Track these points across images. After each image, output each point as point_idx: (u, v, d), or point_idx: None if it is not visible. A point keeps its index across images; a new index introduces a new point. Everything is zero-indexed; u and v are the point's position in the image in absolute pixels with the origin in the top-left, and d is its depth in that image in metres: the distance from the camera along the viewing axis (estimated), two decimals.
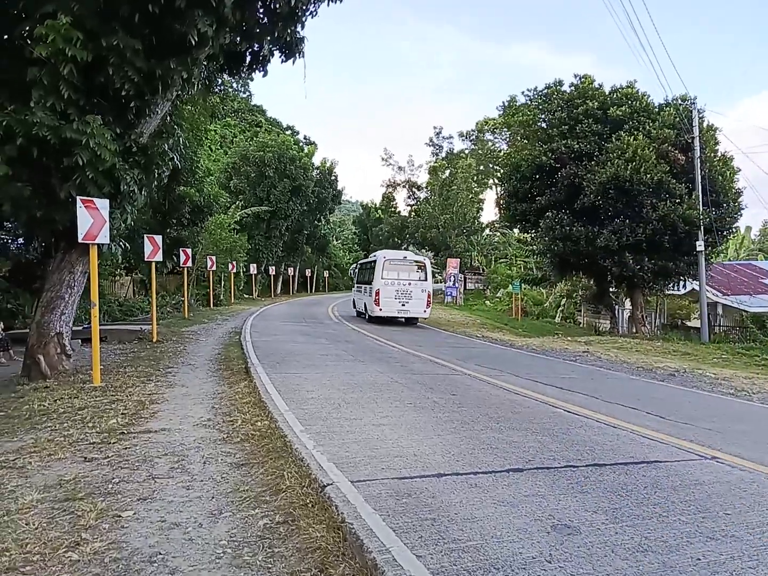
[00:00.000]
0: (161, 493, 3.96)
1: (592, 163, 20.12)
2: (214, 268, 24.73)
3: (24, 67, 6.89)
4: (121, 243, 9.09)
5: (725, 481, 4.29)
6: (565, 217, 20.58)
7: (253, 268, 34.56)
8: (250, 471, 4.38)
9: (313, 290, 50.81)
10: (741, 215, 21.06)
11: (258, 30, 8.53)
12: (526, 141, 24.05)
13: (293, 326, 17.77)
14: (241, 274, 33.28)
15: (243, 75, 9.96)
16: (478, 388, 8.13)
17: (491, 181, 59.64)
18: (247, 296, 35.66)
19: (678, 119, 19.80)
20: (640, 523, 3.39)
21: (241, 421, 5.83)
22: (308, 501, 3.68)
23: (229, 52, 9.01)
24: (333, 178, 48.77)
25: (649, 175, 18.51)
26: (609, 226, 19.56)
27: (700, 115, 20.21)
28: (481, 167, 55.41)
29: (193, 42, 7.33)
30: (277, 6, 8.12)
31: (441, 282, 42.44)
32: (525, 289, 34.19)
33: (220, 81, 15.99)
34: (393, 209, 59.62)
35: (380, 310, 18.71)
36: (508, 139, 47.61)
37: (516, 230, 41.56)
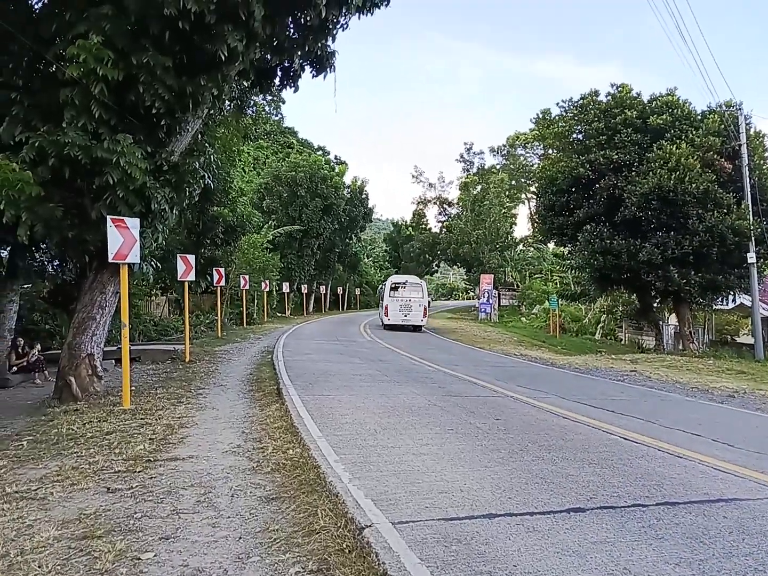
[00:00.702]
0: (185, 531, 3.63)
1: (633, 173, 19.38)
2: (247, 287, 24.78)
3: (56, 89, 6.89)
4: (152, 263, 8.99)
5: None
6: (605, 230, 19.84)
7: (285, 287, 34.64)
8: (281, 506, 4.02)
9: (345, 308, 50.64)
10: None
11: (288, 44, 8.39)
12: (561, 153, 23.44)
13: (326, 345, 17.50)
14: (274, 292, 33.35)
15: (274, 91, 9.86)
16: (522, 411, 7.60)
17: (524, 195, 58.87)
18: (279, 315, 35.71)
19: (723, 126, 18.95)
20: None
21: (272, 449, 5.49)
22: (345, 545, 3.28)
23: (260, 69, 8.91)
24: (364, 196, 48.85)
25: (694, 185, 17.67)
26: (652, 238, 18.75)
27: (747, 121, 19.32)
28: (513, 182, 54.72)
29: (223, 58, 7.23)
30: (308, 19, 7.97)
31: (475, 298, 41.72)
32: (562, 304, 33.19)
33: (252, 102, 16.13)
34: (424, 226, 59.30)
35: (388, 319, 24.78)
36: (541, 155, 46.94)
37: (551, 244, 40.61)
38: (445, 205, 55.48)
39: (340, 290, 49.14)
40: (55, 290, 13.81)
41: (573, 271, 30.10)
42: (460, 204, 50.95)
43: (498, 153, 57.36)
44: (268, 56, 8.68)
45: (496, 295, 42.25)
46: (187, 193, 8.70)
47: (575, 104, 22.48)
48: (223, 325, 21.58)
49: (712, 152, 18.45)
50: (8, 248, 10.00)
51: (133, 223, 7.49)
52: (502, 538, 3.31)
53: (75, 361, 8.09)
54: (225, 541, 3.49)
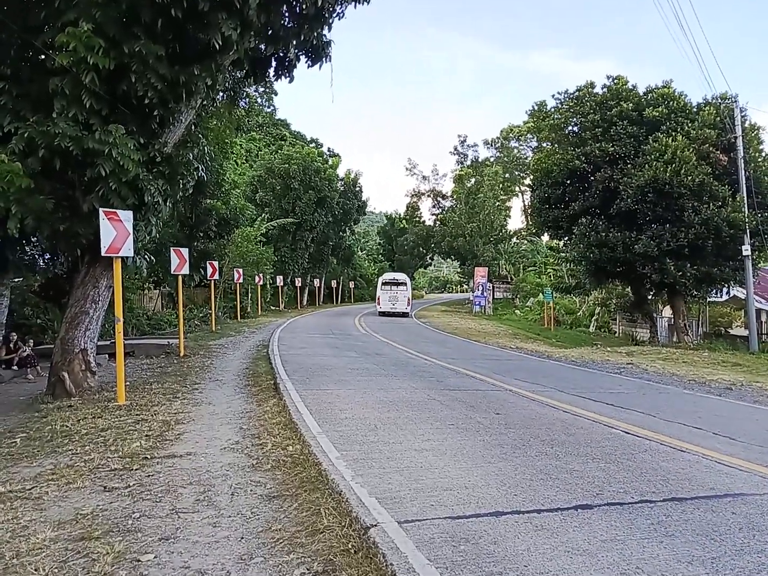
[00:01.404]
0: (185, 532, 3.54)
1: (628, 166, 19.34)
2: (240, 280, 24.58)
3: (45, 78, 6.69)
4: (146, 256, 8.83)
5: None
6: (600, 223, 19.82)
7: (279, 280, 34.45)
8: (283, 505, 3.93)
9: (339, 301, 50.47)
10: None
11: (283, 33, 8.21)
12: (557, 145, 23.34)
13: (321, 338, 17.40)
14: (268, 286, 33.18)
15: (269, 81, 9.68)
16: (522, 405, 7.54)
17: (517, 188, 58.82)
18: (273, 308, 35.53)
19: (719, 118, 18.92)
20: None
21: (271, 445, 5.40)
22: (350, 545, 3.20)
23: (255, 58, 8.73)
24: (357, 189, 48.55)
25: (690, 177, 17.66)
26: (648, 231, 18.73)
27: (743, 114, 19.32)
28: (507, 175, 54.62)
29: (217, 46, 7.07)
30: (304, 7, 7.81)
31: (468, 291, 41.73)
32: (557, 297, 33.24)
33: (244, 94, 15.89)
34: (418, 219, 59.13)
35: (380, 307, 31.39)
36: (535, 147, 46.81)
37: (545, 237, 40.61)
38: (439, 198, 55.31)
39: (334, 283, 48.96)
40: (46, 284, 13.60)
41: (568, 264, 30.13)
42: (454, 197, 50.83)
43: (492, 146, 57.24)
44: (263, 45, 8.51)
45: (490, 287, 42.26)
46: (181, 185, 8.53)
47: (571, 96, 22.36)
48: (217, 319, 21.42)
49: (707, 145, 18.43)
50: None
51: (126, 216, 7.33)
52: (511, 537, 3.24)
53: (68, 356, 7.95)
54: (226, 541, 3.40)
